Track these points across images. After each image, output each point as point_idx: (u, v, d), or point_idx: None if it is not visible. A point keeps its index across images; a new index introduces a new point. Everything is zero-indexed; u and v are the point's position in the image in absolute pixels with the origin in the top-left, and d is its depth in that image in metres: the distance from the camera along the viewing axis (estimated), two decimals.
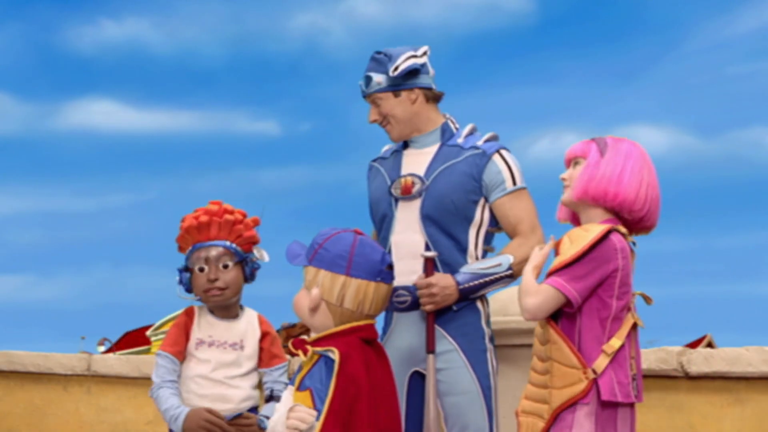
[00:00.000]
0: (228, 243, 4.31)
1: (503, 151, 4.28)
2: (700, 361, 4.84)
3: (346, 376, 3.62)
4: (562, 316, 3.70)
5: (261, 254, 4.41)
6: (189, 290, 4.35)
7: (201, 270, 4.27)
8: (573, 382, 3.64)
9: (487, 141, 4.31)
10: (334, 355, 3.63)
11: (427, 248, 4.22)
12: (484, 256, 4.28)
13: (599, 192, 3.72)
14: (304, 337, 3.79)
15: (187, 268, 4.32)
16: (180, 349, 4.29)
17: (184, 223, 4.32)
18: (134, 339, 42.21)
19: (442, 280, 4.15)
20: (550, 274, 3.68)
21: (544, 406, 3.68)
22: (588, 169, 3.75)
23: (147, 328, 41.04)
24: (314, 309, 3.72)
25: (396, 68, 4.26)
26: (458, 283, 4.15)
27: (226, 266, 4.28)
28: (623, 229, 3.74)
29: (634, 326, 3.73)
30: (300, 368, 3.80)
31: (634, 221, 3.79)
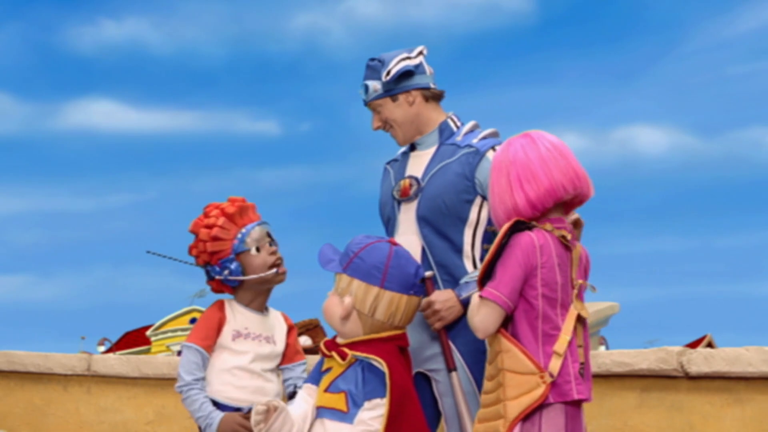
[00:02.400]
0: (267, 222, 4.37)
1: (498, 148, 4.26)
2: (700, 361, 4.83)
3: (397, 387, 3.68)
4: (504, 324, 3.71)
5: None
6: (243, 275, 4.30)
7: (258, 250, 4.29)
8: (530, 388, 3.63)
9: (483, 138, 4.30)
10: (382, 366, 3.68)
11: (424, 252, 4.21)
12: (483, 256, 4.26)
13: (501, 220, 3.76)
14: (340, 340, 3.84)
15: (234, 257, 4.30)
16: (211, 344, 4.29)
17: (221, 215, 4.30)
18: (134, 339, 42.23)
19: (441, 295, 4.13)
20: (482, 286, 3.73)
21: (499, 420, 3.65)
22: (489, 202, 3.85)
23: (147, 328, 41.07)
24: (346, 317, 3.76)
25: (388, 73, 4.26)
26: (459, 296, 4.13)
27: (271, 243, 4.35)
28: (549, 227, 3.74)
29: (580, 317, 3.73)
30: (320, 367, 3.83)
31: (570, 205, 3.81)
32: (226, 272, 4.28)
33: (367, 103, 4.35)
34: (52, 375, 6.85)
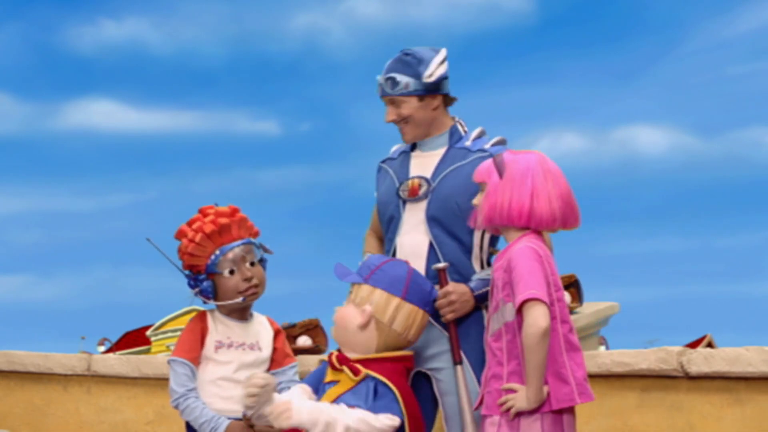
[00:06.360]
0: (252, 240, 4.34)
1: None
2: (700, 361, 4.83)
3: (411, 415, 3.81)
4: None
5: (266, 248, 4.44)
6: (213, 297, 4.30)
7: (231, 272, 4.26)
8: None
9: (494, 145, 4.32)
10: (393, 390, 3.79)
11: (431, 249, 4.22)
12: (490, 258, 4.29)
13: (503, 218, 3.87)
14: (357, 356, 3.89)
15: (207, 276, 4.28)
16: (196, 355, 4.28)
17: (199, 231, 4.27)
18: (134, 339, 42.25)
19: (458, 287, 4.16)
20: None
21: None
22: (488, 197, 3.90)
23: (147, 328, 41.06)
24: (365, 325, 3.83)
25: (431, 75, 4.26)
26: (472, 290, 4.16)
27: (252, 263, 4.31)
28: None
29: None
30: (321, 376, 3.87)
31: (549, 230, 3.94)
32: (197, 290, 4.28)
33: (386, 95, 4.31)
34: (52, 375, 6.85)
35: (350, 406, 3.77)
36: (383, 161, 4.52)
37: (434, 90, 4.28)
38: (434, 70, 4.26)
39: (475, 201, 3.98)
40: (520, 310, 3.75)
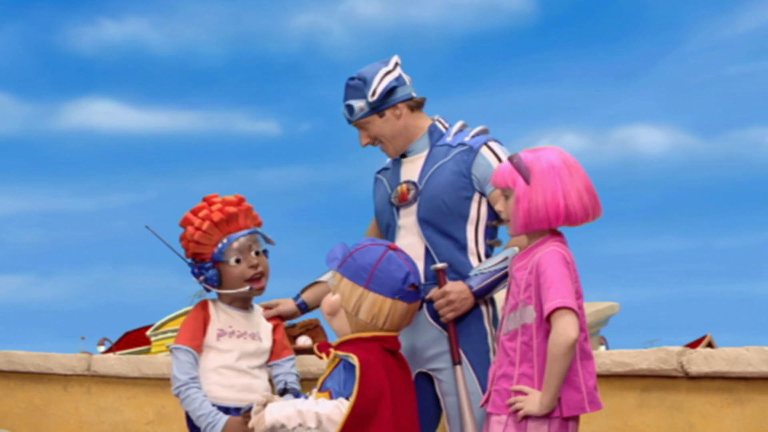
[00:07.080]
0: (258, 229, 4.35)
1: (491, 143, 4.29)
2: (700, 361, 4.83)
3: (367, 382, 3.70)
4: None
5: (267, 238, 4.45)
6: (218, 286, 4.31)
7: (237, 261, 4.28)
8: None
9: (475, 136, 4.33)
10: (354, 361, 3.71)
11: (427, 251, 4.23)
12: (490, 250, 4.29)
13: (542, 222, 3.77)
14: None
15: (212, 264, 4.29)
16: (199, 343, 4.29)
17: (207, 219, 4.28)
18: (134, 339, 42.24)
19: (456, 286, 4.16)
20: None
21: None
22: (521, 204, 3.76)
23: (147, 328, 41.05)
24: (332, 313, 3.84)
25: (374, 93, 4.29)
26: (470, 287, 4.15)
27: (257, 253, 4.32)
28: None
29: None
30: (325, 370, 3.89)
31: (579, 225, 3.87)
32: (201, 278, 4.29)
33: (351, 122, 4.37)
34: (52, 375, 6.85)
35: (327, 390, 3.80)
36: (379, 171, 4.55)
37: (387, 102, 4.31)
38: (376, 86, 4.29)
39: (499, 207, 3.89)
40: (548, 317, 3.68)
